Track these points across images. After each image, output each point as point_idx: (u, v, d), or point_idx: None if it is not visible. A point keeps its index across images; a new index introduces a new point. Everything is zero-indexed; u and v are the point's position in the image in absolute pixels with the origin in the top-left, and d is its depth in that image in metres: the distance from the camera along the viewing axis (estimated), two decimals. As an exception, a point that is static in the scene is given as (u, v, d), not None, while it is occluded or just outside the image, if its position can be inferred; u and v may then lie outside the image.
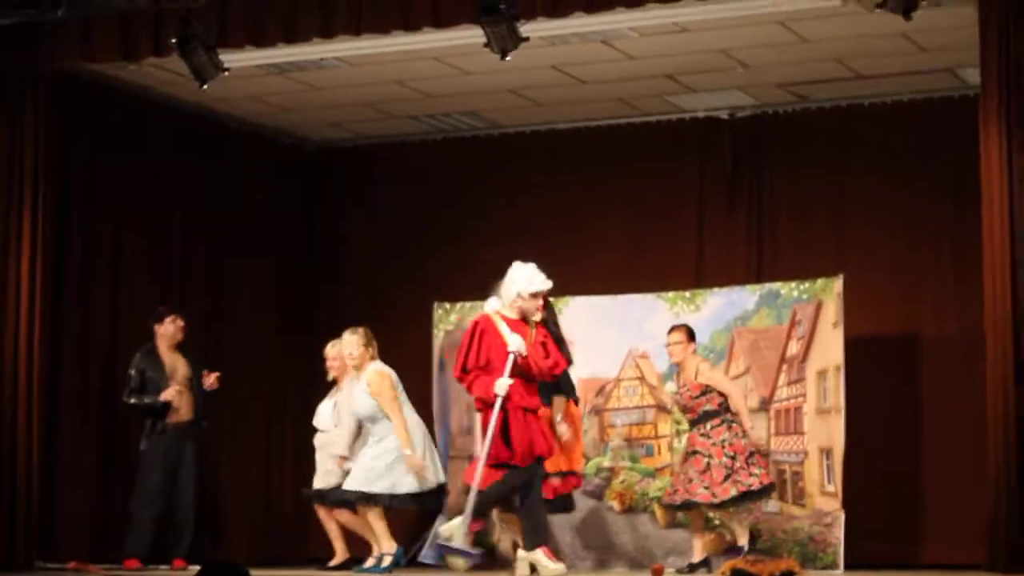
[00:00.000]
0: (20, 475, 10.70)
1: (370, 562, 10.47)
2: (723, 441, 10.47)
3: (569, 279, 12.11)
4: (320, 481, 11.15)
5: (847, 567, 10.62)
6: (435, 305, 12.34)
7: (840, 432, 10.93)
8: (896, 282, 11.84)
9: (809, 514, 10.99)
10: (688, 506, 10.58)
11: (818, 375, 11.14)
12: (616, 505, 11.46)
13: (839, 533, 10.85)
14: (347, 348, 10.53)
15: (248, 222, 13.12)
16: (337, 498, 10.67)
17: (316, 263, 13.74)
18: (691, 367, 10.69)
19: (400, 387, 10.39)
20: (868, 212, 12.01)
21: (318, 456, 11.29)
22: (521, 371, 9.22)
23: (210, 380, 11.11)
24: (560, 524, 11.36)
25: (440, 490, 10.41)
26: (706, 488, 10.42)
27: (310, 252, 13.74)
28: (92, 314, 11.71)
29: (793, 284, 11.43)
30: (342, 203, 13.79)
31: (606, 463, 11.63)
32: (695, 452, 10.56)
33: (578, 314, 11.88)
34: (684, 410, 10.73)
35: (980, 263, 9.70)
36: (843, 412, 10.90)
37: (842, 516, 10.90)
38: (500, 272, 12.52)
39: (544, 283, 9.52)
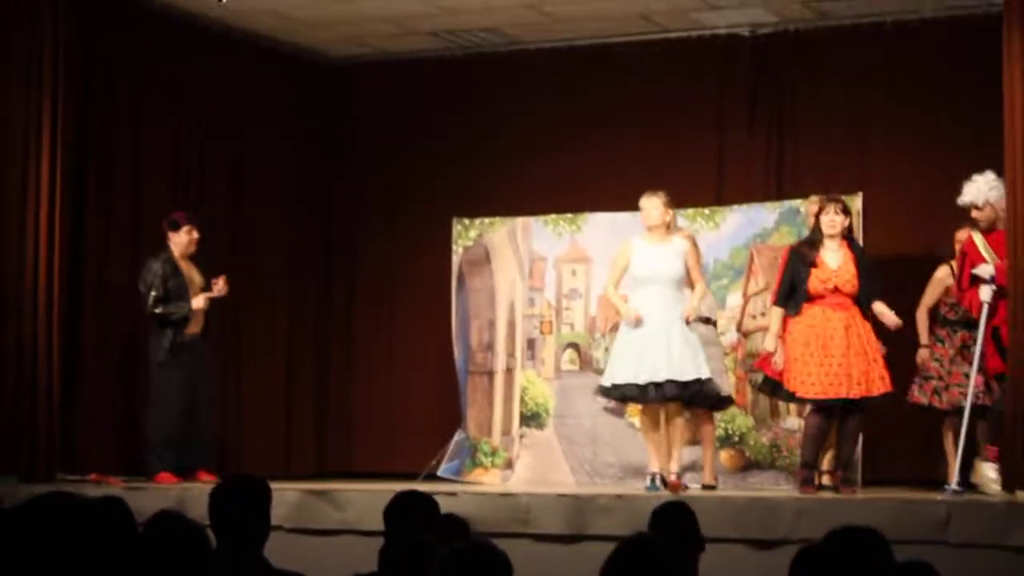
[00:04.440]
0: (40, 387, 10.72)
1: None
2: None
3: (588, 197, 12.19)
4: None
5: (864, 484, 10.67)
6: (454, 221, 12.36)
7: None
8: (915, 203, 11.79)
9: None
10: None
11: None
12: (637, 422, 11.48)
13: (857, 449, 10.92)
14: (650, 210, 10.10)
15: (266, 138, 13.05)
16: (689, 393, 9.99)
17: (335, 179, 13.72)
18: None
19: None
20: (888, 133, 11.96)
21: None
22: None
23: (219, 285, 10.93)
24: (581, 440, 11.45)
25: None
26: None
27: (329, 168, 13.70)
28: (112, 223, 11.71)
29: (813, 201, 11.43)
30: (361, 120, 13.73)
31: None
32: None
33: (598, 231, 11.91)
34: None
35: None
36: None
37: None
38: (518, 189, 12.62)
39: (967, 197, 9.83)
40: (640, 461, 10.86)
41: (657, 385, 9.77)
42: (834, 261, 9.86)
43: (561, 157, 12.69)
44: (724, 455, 11.02)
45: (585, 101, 12.82)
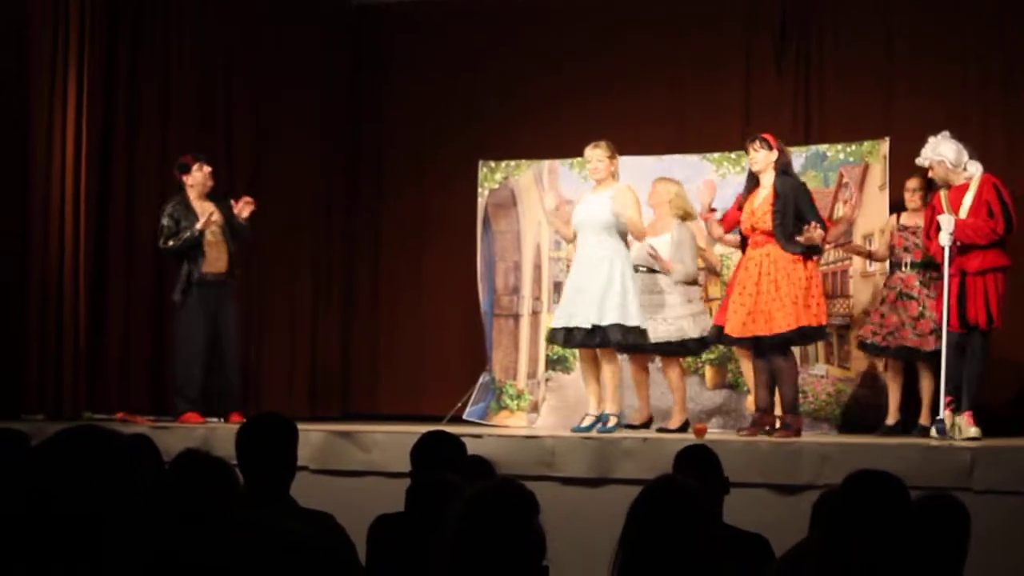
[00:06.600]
0: (67, 326, 10.79)
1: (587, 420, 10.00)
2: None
3: (615, 141, 12.05)
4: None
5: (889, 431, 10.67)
6: (480, 164, 12.34)
7: (884, 296, 10.95)
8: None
9: (853, 377, 11.04)
10: (900, 354, 10.37)
11: (864, 238, 11.13)
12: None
13: (882, 396, 10.91)
14: (595, 162, 10.05)
15: (293, 80, 13.03)
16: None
17: (361, 121, 13.71)
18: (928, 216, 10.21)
19: None
20: (916, 79, 11.88)
21: None
22: None
23: (240, 206, 10.77)
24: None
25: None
26: (918, 336, 10.20)
27: (355, 110, 13.68)
28: (139, 161, 11.69)
29: (840, 146, 11.40)
30: (385, 62, 13.70)
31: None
32: (910, 296, 10.30)
33: (623, 174, 11.82)
34: (906, 249, 10.40)
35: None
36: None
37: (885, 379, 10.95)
38: (545, 133, 12.58)
39: (917, 160, 10.04)
40: (666, 405, 10.86)
41: (568, 331, 9.87)
42: (757, 199, 9.82)
43: (588, 101, 12.65)
44: (750, 400, 11.00)
45: (612, 44, 12.77)
